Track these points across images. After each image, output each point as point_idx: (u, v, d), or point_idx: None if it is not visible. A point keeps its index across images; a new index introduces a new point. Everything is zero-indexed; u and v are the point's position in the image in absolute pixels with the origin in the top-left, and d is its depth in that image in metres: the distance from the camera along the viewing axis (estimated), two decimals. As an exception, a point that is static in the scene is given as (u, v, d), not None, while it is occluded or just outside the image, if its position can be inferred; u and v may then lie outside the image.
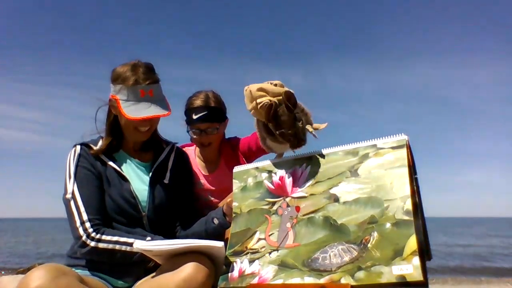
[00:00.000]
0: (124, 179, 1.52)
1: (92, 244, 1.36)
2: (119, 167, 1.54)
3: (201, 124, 1.84)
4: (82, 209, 1.40)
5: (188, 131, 1.93)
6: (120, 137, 1.58)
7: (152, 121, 1.53)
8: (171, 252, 1.25)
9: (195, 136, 1.88)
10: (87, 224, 1.38)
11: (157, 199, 1.55)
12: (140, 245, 1.26)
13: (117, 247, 1.37)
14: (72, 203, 1.41)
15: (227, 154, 1.97)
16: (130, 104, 1.44)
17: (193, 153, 2.01)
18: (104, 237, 1.38)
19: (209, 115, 1.84)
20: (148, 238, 1.40)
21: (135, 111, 1.43)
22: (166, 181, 1.60)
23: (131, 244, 1.36)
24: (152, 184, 1.57)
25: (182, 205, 1.64)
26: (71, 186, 1.43)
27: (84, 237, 1.36)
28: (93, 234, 1.37)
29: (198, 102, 1.86)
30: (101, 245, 1.37)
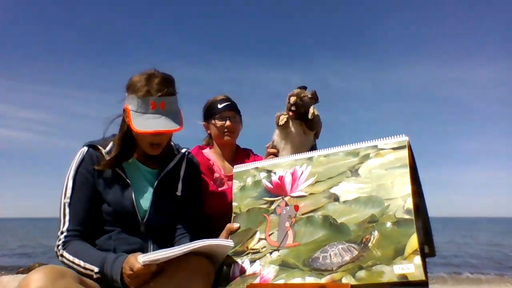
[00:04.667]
0: (126, 185, 1.47)
1: (59, 257, 1.35)
2: (125, 172, 1.48)
3: (226, 112, 2.00)
4: (67, 217, 1.38)
5: (209, 122, 2.02)
6: (132, 147, 1.51)
7: (163, 136, 1.45)
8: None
9: (220, 123, 1.98)
10: (62, 235, 1.36)
11: (160, 209, 1.49)
12: (145, 258, 1.16)
13: (76, 268, 1.31)
14: (62, 208, 1.40)
15: (241, 161, 2.00)
16: (138, 116, 1.38)
17: (211, 154, 2.06)
18: (65, 254, 1.34)
19: (232, 105, 2.04)
20: (112, 256, 1.28)
21: (141, 123, 1.37)
22: (178, 192, 1.54)
23: (90, 271, 1.29)
24: (157, 193, 1.50)
25: (186, 218, 1.56)
26: (68, 192, 1.41)
27: (55, 248, 1.36)
28: (59, 247, 1.35)
29: (220, 97, 2.05)
30: (65, 260, 1.34)
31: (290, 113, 1.81)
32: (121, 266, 1.22)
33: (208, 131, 2.08)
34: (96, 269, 1.27)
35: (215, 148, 2.07)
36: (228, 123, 1.97)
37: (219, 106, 1.99)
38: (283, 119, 1.83)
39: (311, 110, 1.82)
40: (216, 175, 1.98)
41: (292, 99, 1.80)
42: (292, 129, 1.84)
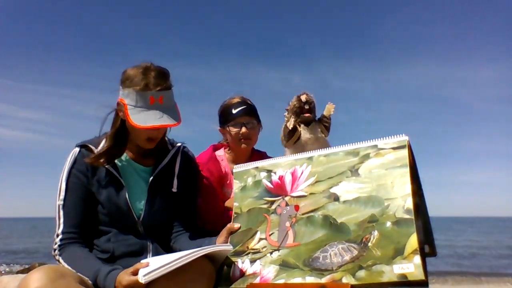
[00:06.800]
0: (120, 184, 1.45)
1: (56, 262, 1.36)
2: (118, 170, 1.47)
3: (242, 118, 1.85)
4: (61, 220, 1.39)
5: (225, 128, 1.89)
6: (124, 142, 1.49)
7: (160, 130, 1.45)
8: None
9: (235, 130, 1.84)
10: (58, 239, 1.37)
11: (155, 207, 1.49)
12: (147, 277, 1.11)
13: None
14: (57, 210, 1.41)
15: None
16: (137, 111, 1.36)
17: (225, 157, 1.95)
18: (61, 260, 1.35)
19: (249, 109, 1.87)
20: (104, 270, 1.25)
21: (142, 119, 1.35)
22: (174, 189, 1.53)
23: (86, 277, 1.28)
24: (152, 191, 1.50)
25: (183, 214, 1.56)
26: (62, 194, 1.42)
27: (52, 251, 1.38)
28: (56, 251, 1.37)
29: (236, 99, 1.89)
30: (62, 263, 1.35)
31: (307, 114, 1.63)
32: (114, 280, 1.19)
33: (225, 137, 1.95)
34: (89, 282, 1.26)
35: (230, 151, 1.96)
36: (243, 130, 1.83)
37: (234, 111, 1.84)
38: (291, 122, 1.63)
39: (329, 106, 1.66)
40: (228, 182, 1.89)
41: (304, 97, 1.63)
42: (308, 135, 1.66)
